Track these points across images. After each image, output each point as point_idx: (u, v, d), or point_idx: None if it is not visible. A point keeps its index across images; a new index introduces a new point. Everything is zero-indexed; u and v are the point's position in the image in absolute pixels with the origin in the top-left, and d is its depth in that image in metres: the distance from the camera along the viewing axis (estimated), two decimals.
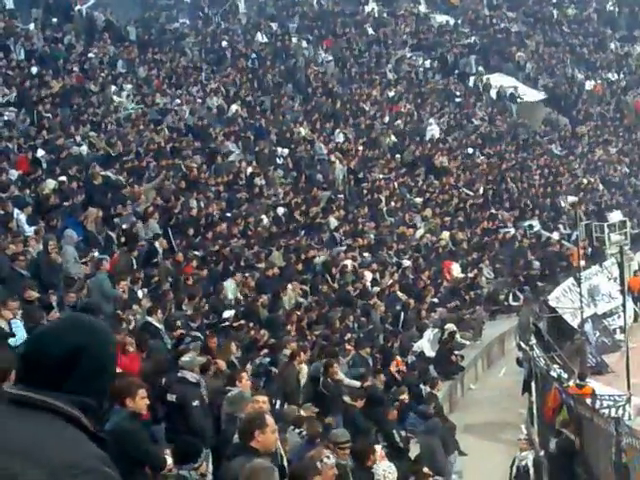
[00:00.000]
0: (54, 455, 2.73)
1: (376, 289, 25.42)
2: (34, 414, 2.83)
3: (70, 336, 2.93)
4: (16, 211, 19.57)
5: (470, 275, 29.97)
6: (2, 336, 11.37)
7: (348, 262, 26.02)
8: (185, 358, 13.00)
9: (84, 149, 25.15)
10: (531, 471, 17.14)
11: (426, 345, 23.75)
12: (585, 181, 41.14)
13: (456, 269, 30.04)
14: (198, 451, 11.37)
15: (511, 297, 30.39)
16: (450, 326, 24.65)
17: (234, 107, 33.74)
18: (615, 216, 36.05)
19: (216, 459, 11.63)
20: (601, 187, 41.14)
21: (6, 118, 25.21)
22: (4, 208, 19.24)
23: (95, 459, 2.80)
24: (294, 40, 43.30)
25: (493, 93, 45.84)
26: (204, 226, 24.02)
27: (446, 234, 31.79)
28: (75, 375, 2.90)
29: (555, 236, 34.77)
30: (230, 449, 9.12)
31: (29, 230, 19.21)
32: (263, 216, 26.59)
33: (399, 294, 25.99)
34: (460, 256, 31.04)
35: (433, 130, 39.07)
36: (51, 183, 21.93)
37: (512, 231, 34.19)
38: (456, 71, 46.29)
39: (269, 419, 8.16)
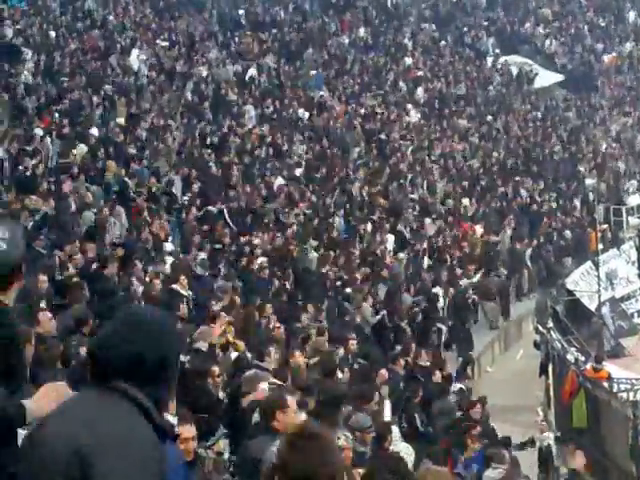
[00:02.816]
0: (113, 430, 3.11)
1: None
2: (112, 399, 3.23)
3: (130, 344, 3.27)
4: None
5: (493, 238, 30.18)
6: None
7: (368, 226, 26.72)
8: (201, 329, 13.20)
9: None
10: (554, 449, 17.14)
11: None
12: (604, 145, 41.04)
13: (479, 231, 30.25)
14: (211, 428, 11.39)
15: (528, 255, 30.35)
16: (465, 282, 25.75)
17: (251, 71, 34.02)
18: (634, 199, 35.83)
19: (234, 438, 11.65)
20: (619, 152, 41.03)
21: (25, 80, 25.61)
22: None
23: (149, 444, 3.17)
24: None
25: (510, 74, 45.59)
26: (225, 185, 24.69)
27: (466, 200, 31.87)
28: (142, 374, 3.25)
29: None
30: (251, 429, 9.15)
31: None
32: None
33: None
34: (480, 220, 31.19)
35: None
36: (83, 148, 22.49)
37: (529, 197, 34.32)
38: (472, 53, 45.99)
39: (290, 399, 8.17)
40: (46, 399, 3.61)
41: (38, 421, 3.36)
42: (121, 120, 25.54)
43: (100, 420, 3.16)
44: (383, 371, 15.42)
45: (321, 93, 34.75)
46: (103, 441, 3.09)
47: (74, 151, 22.13)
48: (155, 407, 3.26)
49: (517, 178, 35.13)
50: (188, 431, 7.71)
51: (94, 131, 23.96)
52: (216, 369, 11.86)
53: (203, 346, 12.76)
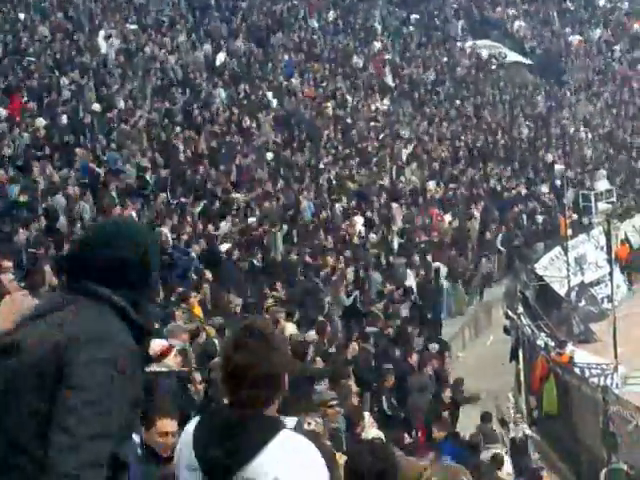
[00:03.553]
0: (86, 328, 3.10)
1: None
2: (88, 301, 3.21)
3: (114, 249, 3.26)
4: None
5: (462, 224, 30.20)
6: None
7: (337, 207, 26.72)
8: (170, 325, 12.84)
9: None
10: (530, 441, 17.11)
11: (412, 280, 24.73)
12: (572, 130, 41.16)
13: (447, 219, 30.24)
14: (188, 417, 11.22)
15: (499, 240, 30.36)
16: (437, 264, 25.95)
17: (221, 56, 33.77)
18: (602, 185, 35.90)
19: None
20: (588, 136, 41.20)
21: None
22: None
23: (122, 344, 3.11)
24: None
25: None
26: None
27: (432, 184, 31.80)
28: (122, 278, 3.25)
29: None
30: None
31: None
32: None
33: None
34: (450, 207, 31.13)
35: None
36: (42, 122, 22.32)
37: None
38: (441, 34, 45.90)
39: None
40: (5, 310, 3.51)
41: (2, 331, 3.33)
42: (93, 104, 25.18)
43: (73, 320, 3.14)
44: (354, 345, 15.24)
45: (292, 80, 34.51)
46: (76, 338, 3.06)
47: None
48: (135, 308, 3.25)
49: (487, 163, 35.16)
50: (169, 425, 7.05)
51: (63, 118, 23.63)
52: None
53: (175, 344, 12.42)
